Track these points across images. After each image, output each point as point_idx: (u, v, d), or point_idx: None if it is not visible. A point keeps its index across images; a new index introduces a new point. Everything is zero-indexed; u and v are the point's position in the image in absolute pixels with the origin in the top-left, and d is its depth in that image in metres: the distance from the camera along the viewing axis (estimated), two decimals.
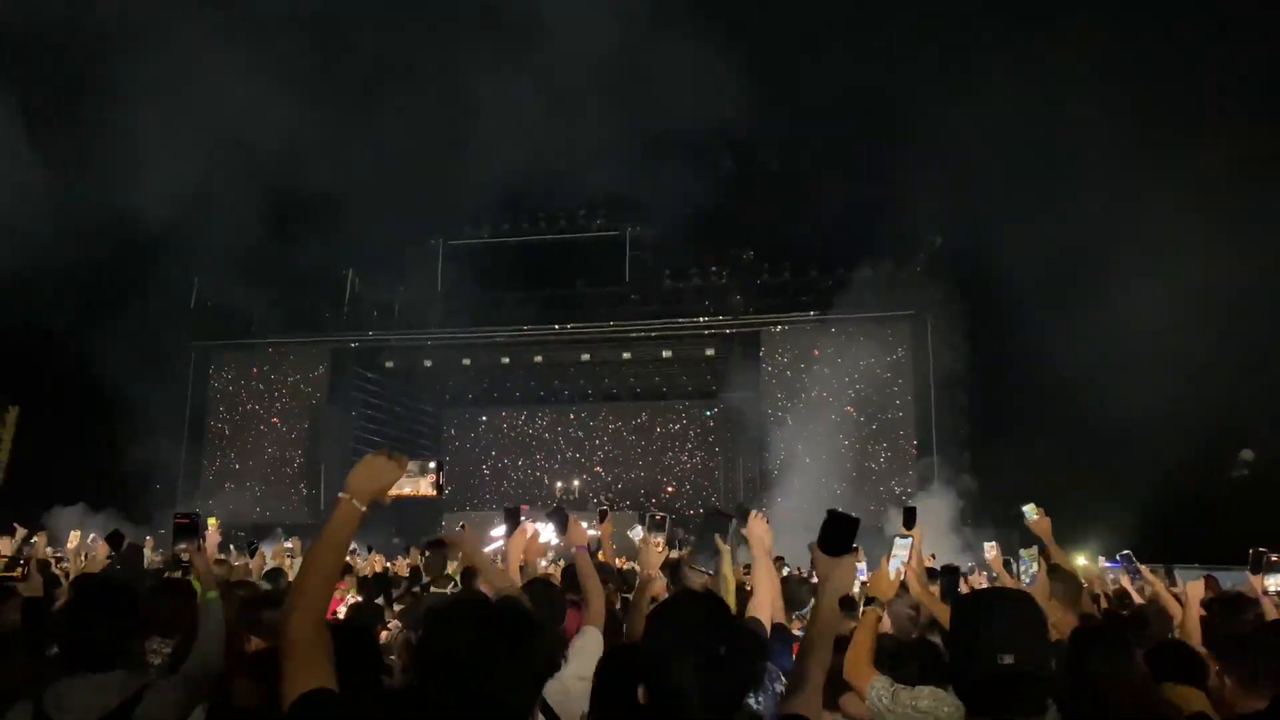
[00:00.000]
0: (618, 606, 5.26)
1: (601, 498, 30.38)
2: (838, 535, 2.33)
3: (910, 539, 3.95)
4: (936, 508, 19.97)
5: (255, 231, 23.64)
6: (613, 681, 2.12)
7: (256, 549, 6.30)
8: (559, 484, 31.44)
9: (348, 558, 11.66)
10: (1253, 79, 19.41)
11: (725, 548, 2.68)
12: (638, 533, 5.69)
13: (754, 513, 4.21)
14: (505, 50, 27.03)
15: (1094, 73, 20.18)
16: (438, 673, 1.67)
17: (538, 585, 3.58)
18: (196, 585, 3.72)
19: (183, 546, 3.59)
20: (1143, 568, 5.26)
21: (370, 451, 2.15)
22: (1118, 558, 5.32)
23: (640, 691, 1.74)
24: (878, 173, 25.93)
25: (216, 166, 22.03)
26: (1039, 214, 20.83)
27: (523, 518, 4.51)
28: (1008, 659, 1.93)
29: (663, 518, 4.37)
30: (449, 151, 25.37)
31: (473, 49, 24.97)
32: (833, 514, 2.39)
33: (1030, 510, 4.92)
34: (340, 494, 2.04)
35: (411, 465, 2.79)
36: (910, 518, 4.19)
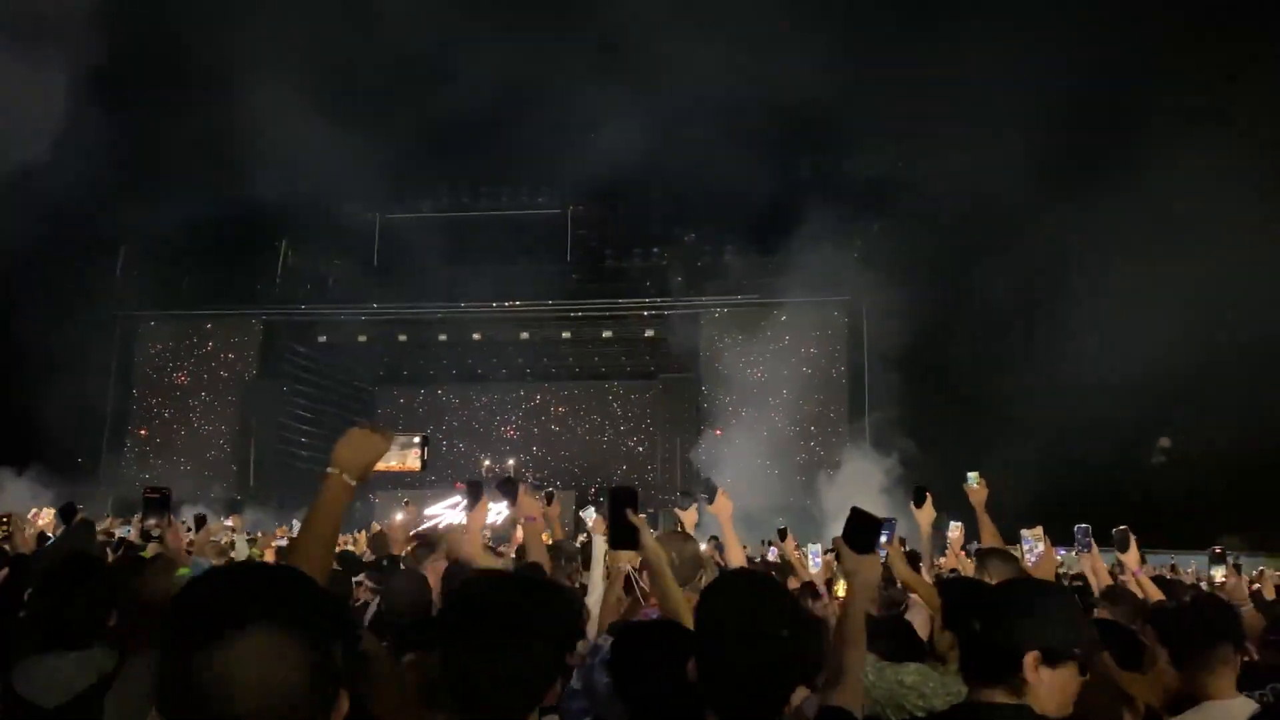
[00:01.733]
0: (577, 585, 5.25)
1: (537, 476, 30.31)
2: (864, 532, 2.37)
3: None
4: (867, 475, 20.44)
5: (185, 199, 22.95)
6: (636, 656, 2.12)
7: (204, 522, 6.11)
8: (487, 463, 31.23)
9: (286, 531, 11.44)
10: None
11: (640, 519, 2.66)
12: (590, 514, 5.68)
13: (720, 489, 4.26)
14: (448, 18, 26.55)
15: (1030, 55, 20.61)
16: (465, 641, 1.67)
17: (529, 568, 3.57)
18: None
19: (153, 522, 3.49)
20: (1094, 547, 5.33)
21: (355, 425, 2.09)
22: (1076, 530, 5.36)
23: (690, 667, 1.75)
24: (817, 158, 26.23)
25: (146, 130, 21.31)
26: (975, 198, 21.26)
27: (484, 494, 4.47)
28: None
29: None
30: (388, 122, 24.88)
31: (417, 16, 24.45)
32: (857, 512, 2.43)
33: (973, 479, 4.98)
34: (329, 469, 1.99)
35: (398, 438, 2.72)
36: (920, 496, 4.24)
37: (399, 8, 23.57)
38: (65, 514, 5.00)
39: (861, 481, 20.79)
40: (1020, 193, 21.03)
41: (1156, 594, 4.63)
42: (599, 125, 24.67)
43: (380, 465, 2.07)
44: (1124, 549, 4.92)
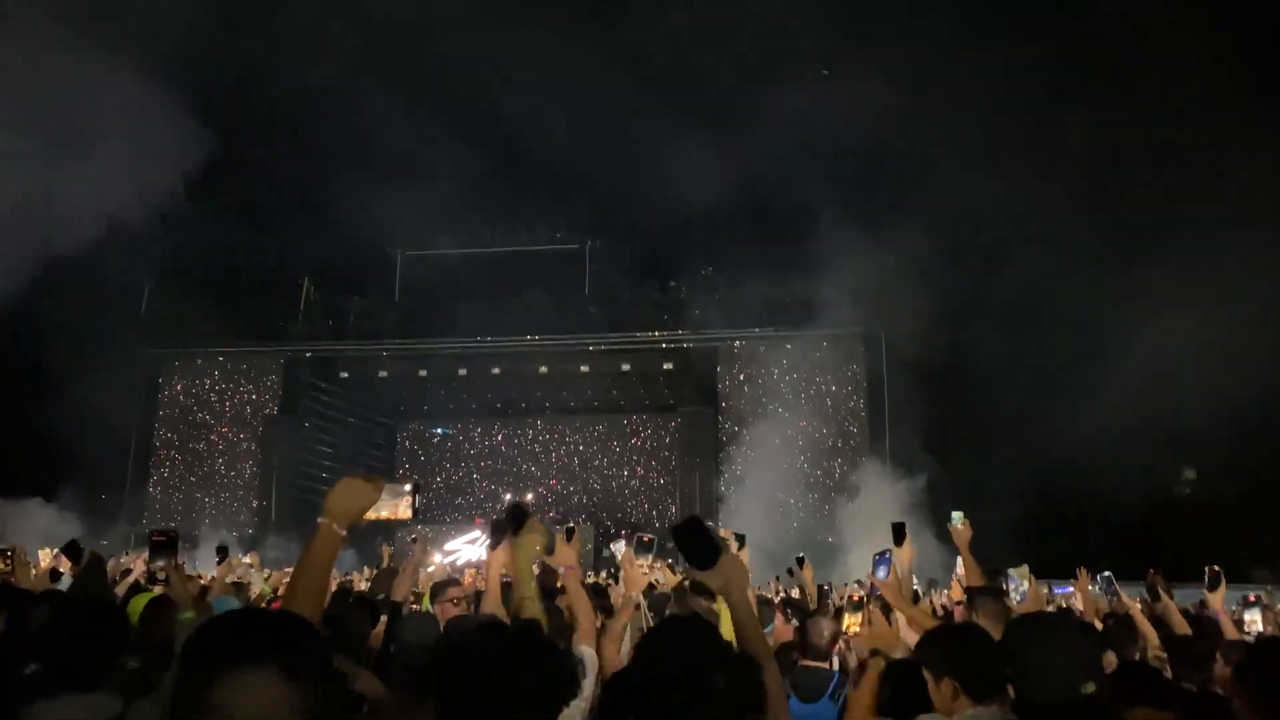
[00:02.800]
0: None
1: (557, 511, 30.27)
2: (696, 545, 2.12)
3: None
4: (887, 506, 20.27)
5: (210, 237, 23.34)
6: (617, 706, 2.13)
7: (227, 553, 6.15)
8: (507, 496, 31.22)
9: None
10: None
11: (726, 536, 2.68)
12: (619, 548, 5.68)
13: (724, 529, 4.29)
14: (465, 61, 26.96)
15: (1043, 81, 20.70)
16: (460, 697, 1.69)
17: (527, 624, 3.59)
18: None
19: (160, 564, 3.55)
20: (1123, 594, 5.28)
21: (347, 474, 2.14)
22: (1098, 580, 5.35)
23: None
24: (835, 190, 26.30)
25: (171, 170, 21.66)
26: (998, 234, 21.25)
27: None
28: (1090, 688, 1.97)
29: (650, 539, 4.38)
30: (409, 160, 25.24)
31: (434, 59, 24.86)
32: (678, 532, 2.16)
33: (958, 519, 4.96)
34: (320, 518, 2.04)
35: (388, 487, 2.78)
36: (899, 534, 4.24)
37: (420, 49, 24.00)
38: (71, 552, 5.03)
39: (881, 512, 20.61)
40: (1041, 223, 21.05)
41: (1234, 633, 4.59)
42: (616, 161, 24.92)
43: (371, 514, 2.11)
44: (1214, 588, 4.92)
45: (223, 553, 6.35)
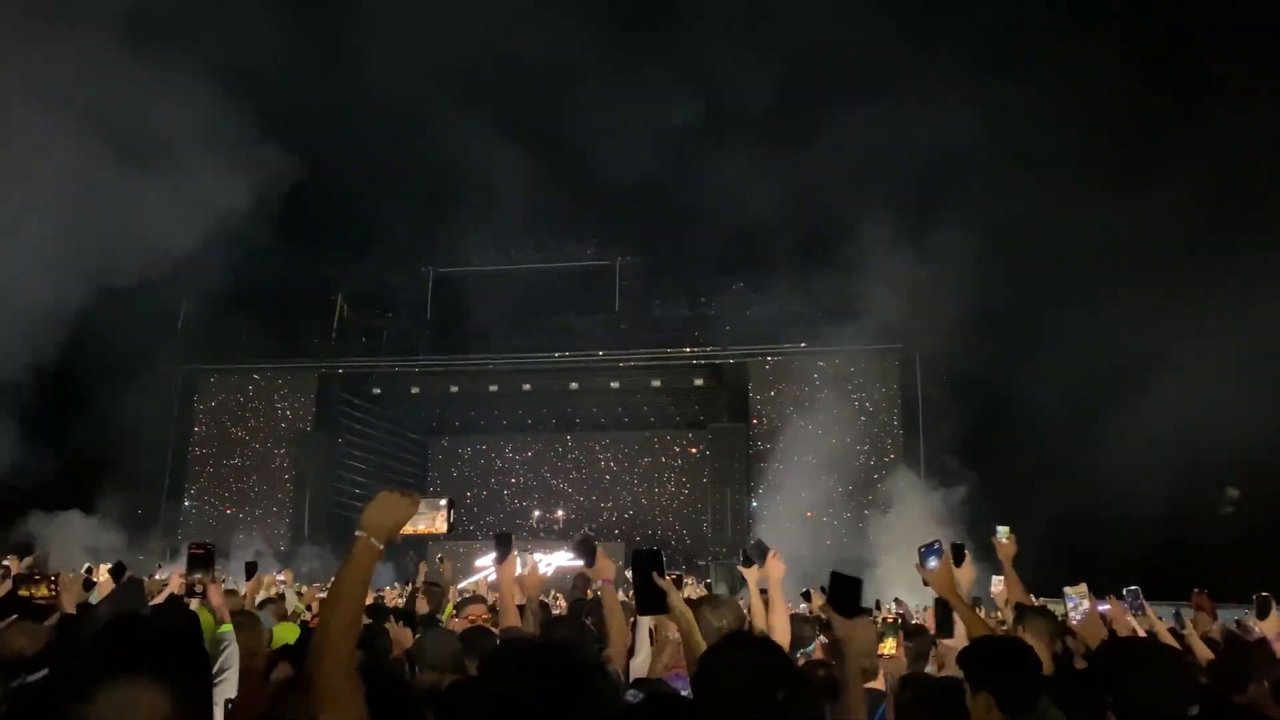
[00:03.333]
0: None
1: (590, 527, 30.22)
2: (845, 595, 2.34)
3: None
4: (922, 524, 20.02)
5: (244, 255, 23.59)
6: None
7: (255, 569, 6.15)
8: (537, 513, 31.27)
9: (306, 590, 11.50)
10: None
11: (667, 582, 2.62)
12: None
13: (773, 551, 4.22)
14: (499, 80, 27.23)
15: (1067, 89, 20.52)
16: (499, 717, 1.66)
17: (567, 622, 3.56)
18: (205, 616, 3.68)
19: (197, 576, 3.55)
20: (1149, 609, 5.19)
21: (384, 489, 2.14)
22: (1125, 594, 5.25)
23: None
24: (867, 207, 26.18)
25: (207, 189, 21.97)
26: (1029, 245, 21.04)
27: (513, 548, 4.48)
28: (1194, 711, 1.96)
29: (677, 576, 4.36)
30: (441, 178, 25.48)
31: (468, 78, 25.13)
32: (836, 575, 2.39)
33: (1003, 533, 4.88)
34: (357, 532, 2.04)
35: (424, 502, 2.80)
36: (959, 555, 4.13)
37: (451, 68, 24.25)
38: (115, 573, 5.06)
39: (916, 531, 20.38)
40: (1080, 240, 20.81)
41: None
42: (647, 177, 24.98)
43: (408, 528, 2.11)
44: (1264, 615, 4.83)
45: (251, 568, 6.33)
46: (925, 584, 3.65)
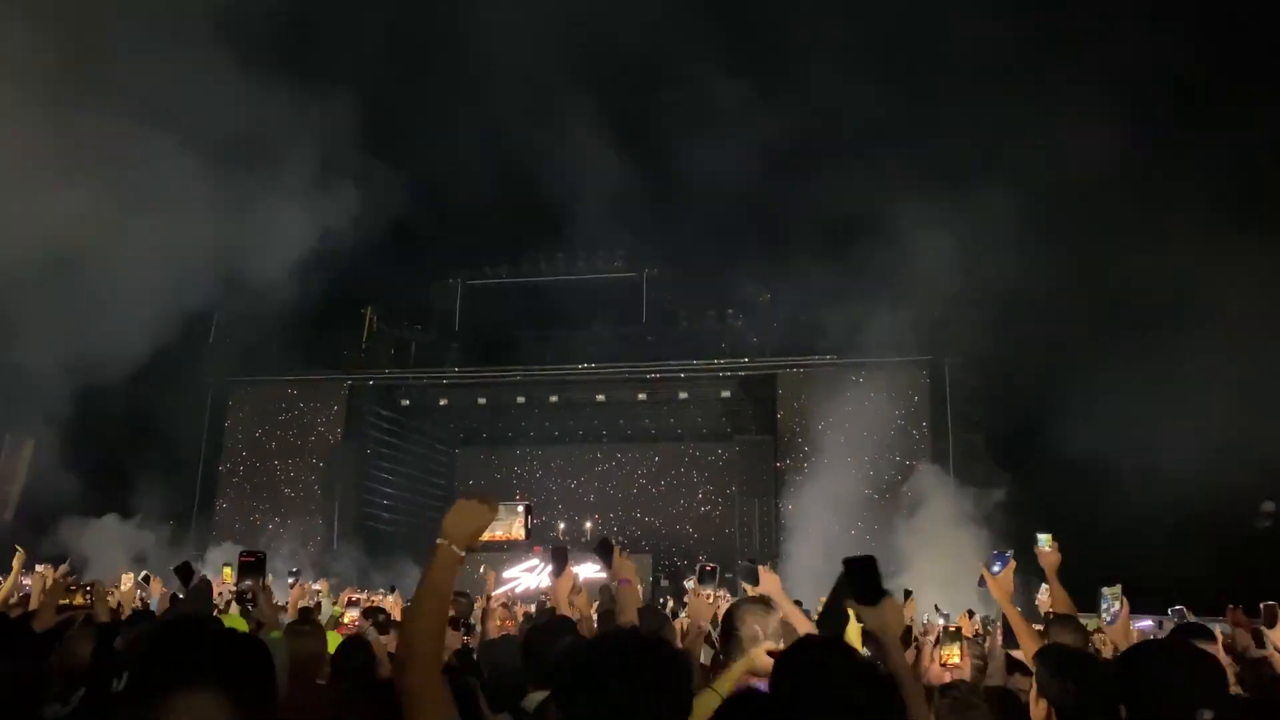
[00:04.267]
0: None
1: (615, 539, 30.14)
2: (866, 582, 2.23)
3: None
4: (952, 539, 19.85)
5: (274, 267, 23.82)
6: None
7: (299, 578, 6.16)
8: (561, 524, 31.29)
9: (370, 596, 11.56)
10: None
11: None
12: (691, 584, 5.65)
13: (762, 567, 4.18)
14: (521, 92, 27.38)
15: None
16: (590, 703, 1.65)
17: (546, 625, 3.57)
18: (237, 623, 3.70)
19: (248, 584, 3.56)
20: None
21: (462, 496, 2.18)
22: (1170, 613, 5.16)
23: None
24: (897, 217, 26.07)
25: (237, 201, 22.25)
26: (1062, 262, 20.87)
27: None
28: (1208, 714, 1.91)
29: (713, 568, 4.34)
30: (469, 190, 25.62)
31: (495, 91, 25.30)
32: (849, 562, 2.32)
33: (1045, 541, 4.78)
34: (438, 540, 2.07)
35: (502, 508, 2.87)
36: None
37: (478, 79, 24.43)
38: (182, 573, 5.03)
39: (946, 545, 20.23)
40: (1109, 250, 20.62)
41: None
42: (674, 189, 25.02)
43: (486, 534, 2.14)
44: (1272, 624, 4.75)
45: (295, 575, 6.36)
46: (980, 584, 3.60)
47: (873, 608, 2.15)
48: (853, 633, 2.74)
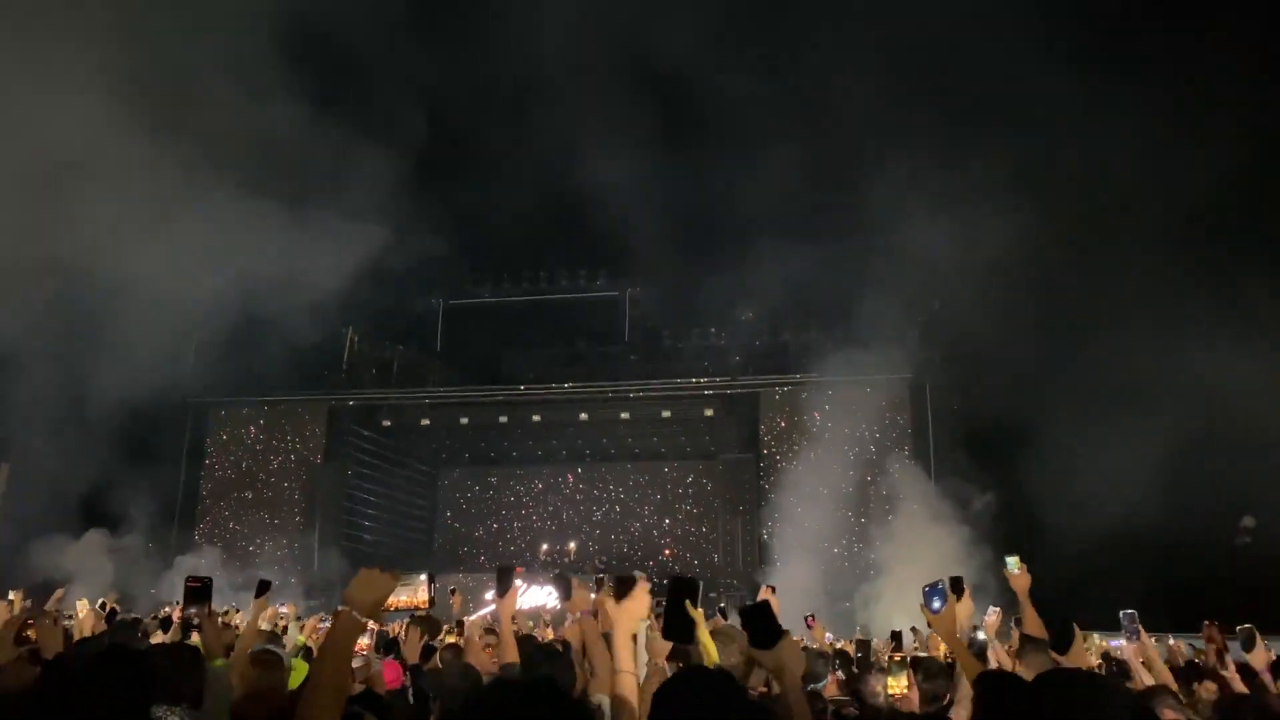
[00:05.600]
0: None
1: (600, 560, 30.07)
2: (761, 627, 2.27)
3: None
4: (934, 555, 19.84)
5: (254, 288, 23.74)
6: None
7: (268, 588, 5.76)
8: (544, 545, 31.15)
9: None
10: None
11: (698, 613, 2.59)
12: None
13: (764, 587, 4.15)
14: (508, 108, 27.47)
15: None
16: None
17: (544, 651, 3.53)
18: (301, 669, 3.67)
19: (193, 611, 3.52)
20: (1144, 634, 5.05)
21: (365, 566, 2.25)
22: (1121, 616, 5.11)
23: None
24: (877, 236, 26.24)
25: (218, 220, 22.20)
26: (1039, 282, 21.00)
27: (517, 580, 4.42)
28: None
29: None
30: (450, 210, 25.64)
31: (475, 107, 25.36)
32: (744, 613, 2.33)
33: (1013, 564, 4.75)
34: (340, 607, 2.12)
35: (405, 577, 2.93)
36: (958, 588, 4.01)
37: (462, 104, 24.49)
38: (260, 589, 4.96)
39: (928, 559, 20.22)
40: (1092, 267, 20.78)
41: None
42: (654, 207, 25.08)
43: (391, 601, 2.21)
44: (1249, 648, 4.74)
45: (264, 586, 5.81)
46: (929, 625, 3.56)
47: (771, 651, 2.18)
48: (704, 635, 2.71)
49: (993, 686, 2.63)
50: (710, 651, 2.74)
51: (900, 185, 23.16)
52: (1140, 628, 5.08)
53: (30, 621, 4.55)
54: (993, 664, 4.83)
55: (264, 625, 6.89)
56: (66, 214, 18.79)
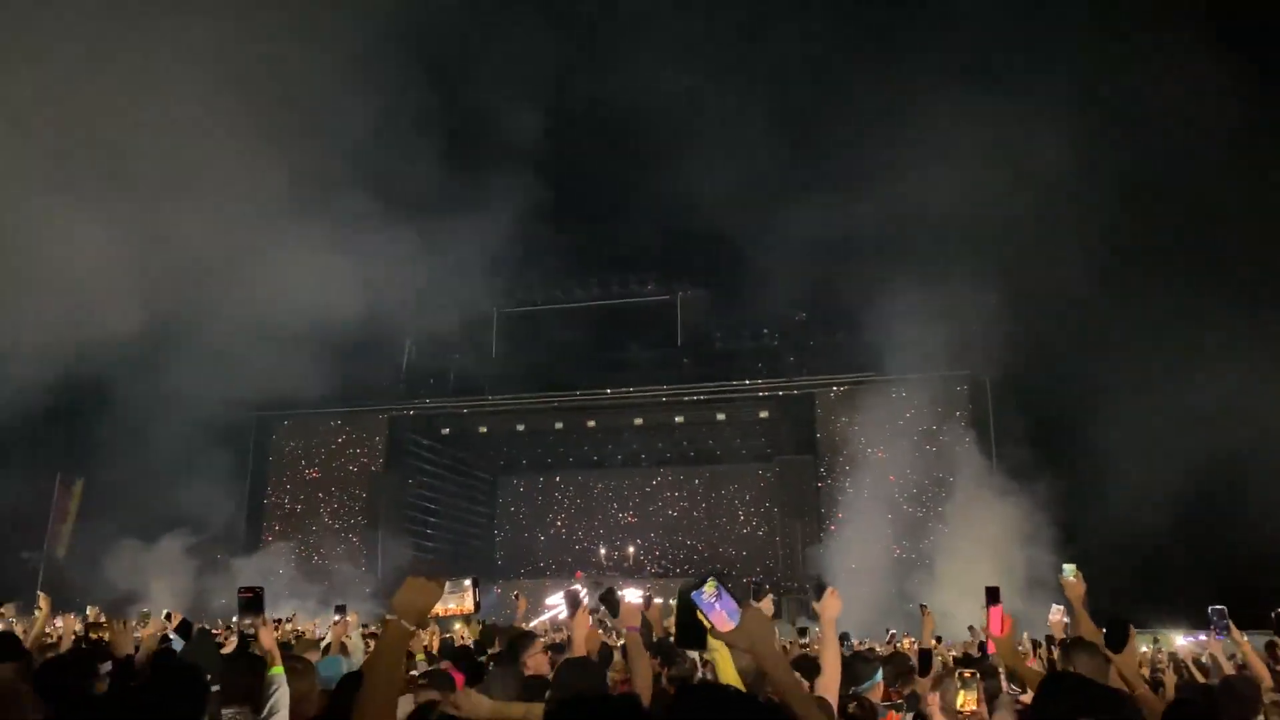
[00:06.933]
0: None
1: (660, 565, 30.11)
2: (690, 625, 2.17)
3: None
4: (997, 556, 19.49)
5: (316, 302, 24.23)
6: None
7: (344, 612, 6.29)
8: (603, 550, 31.26)
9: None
10: None
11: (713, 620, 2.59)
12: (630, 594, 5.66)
13: (830, 589, 4.14)
14: (558, 118, 27.65)
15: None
16: None
17: (576, 664, 3.58)
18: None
19: (248, 621, 3.63)
20: (1235, 631, 4.98)
21: (411, 575, 2.28)
22: (1211, 612, 5.06)
23: None
24: (933, 234, 25.88)
25: (277, 237, 22.70)
26: (1101, 278, 20.57)
27: (583, 597, 4.49)
28: None
29: (750, 582, 4.33)
30: (503, 219, 25.88)
31: (529, 119, 25.58)
32: (683, 594, 2.19)
33: (1070, 571, 4.72)
34: (388, 616, 2.18)
35: (450, 584, 3.00)
36: (994, 597, 3.99)
37: (511, 116, 24.73)
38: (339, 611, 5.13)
39: (990, 558, 19.88)
40: (1143, 262, 20.30)
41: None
42: (705, 211, 25.06)
43: (438, 608, 2.27)
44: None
45: (341, 610, 6.46)
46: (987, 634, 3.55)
47: (735, 631, 2.04)
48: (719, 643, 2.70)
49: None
50: (726, 662, 2.73)
51: (959, 185, 22.82)
52: (1231, 623, 5.06)
53: (104, 622, 4.72)
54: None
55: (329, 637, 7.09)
56: (149, 233, 19.38)
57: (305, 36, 20.55)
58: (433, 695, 3.78)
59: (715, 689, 1.96)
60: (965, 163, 22.22)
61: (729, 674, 2.68)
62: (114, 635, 3.69)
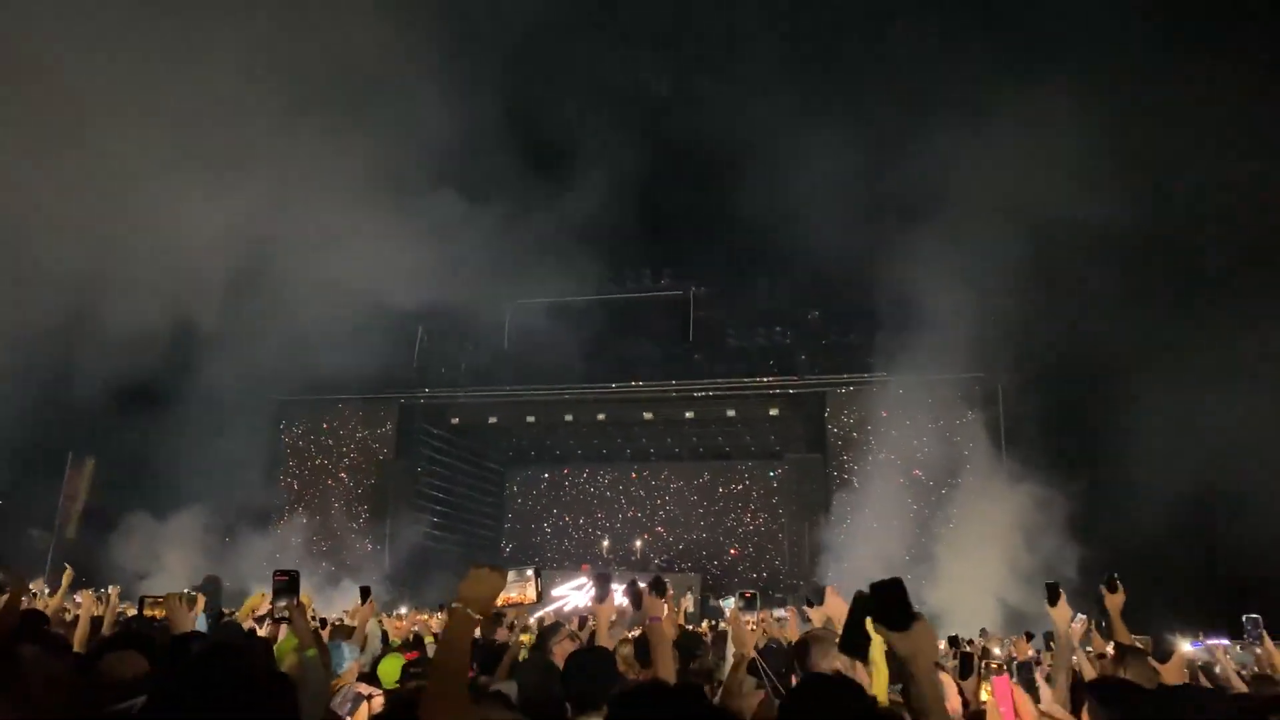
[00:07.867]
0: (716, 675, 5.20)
1: (664, 558, 30.13)
2: (894, 607, 2.08)
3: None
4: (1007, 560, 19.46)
5: (327, 289, 24.29)
6: None
7: (369, 595, 6.23)
8: (605, 542, 31.32)
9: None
10: None
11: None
12: (729, 604, 5.67)
13: (830, 588, 4.15)
14: (575, 117, 27.67)
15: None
16: None
17: (586, 654, 3.61)
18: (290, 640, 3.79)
19: (282, 604, 3.65)
20: (1268, 641, 4.97)
21: (474, 565, 2.32)
22: (1245, 620, 5.07)
23: None
24: (943, 232, 25.79)
25: (293, 228, 22.76)
26: (1114, 280, 20.49)
27: (613, 584, 4.49)
28: None
29: (753, 595, 4.34)
30: (518, 212, 25.91)
31: (545, 116, 25.60)
32: (876, 587, 2.13)
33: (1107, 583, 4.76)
34: (454, 604, 2.24)
35: (513, 573, 3.04)
36: (1054, 595, 4.03)
37: (531, 112, 24.72)
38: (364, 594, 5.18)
39: (1001, 561, 19.87)
40: (1159, 264, 20.22)
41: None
42: (719, 206, 25.04)
43: (501, 598, 2.40)
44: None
45: (365, 593, 6.39)
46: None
47: (904, 633, 2.02)
48: (877, 654, 2.69)
49: (1115, 693, 2.63)
50: (880, 671, 2.74)
51: (971, 182, 22.77)
52: (1265, 632, 5.06)
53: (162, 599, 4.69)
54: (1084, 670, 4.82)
55: (351, 623, 7.10)
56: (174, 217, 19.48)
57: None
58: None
59: (838, 682, 1.97)
60: (982, 164, 22.19)
61: (880, 684, 2.69)
62: (173, 613, 3.70)
